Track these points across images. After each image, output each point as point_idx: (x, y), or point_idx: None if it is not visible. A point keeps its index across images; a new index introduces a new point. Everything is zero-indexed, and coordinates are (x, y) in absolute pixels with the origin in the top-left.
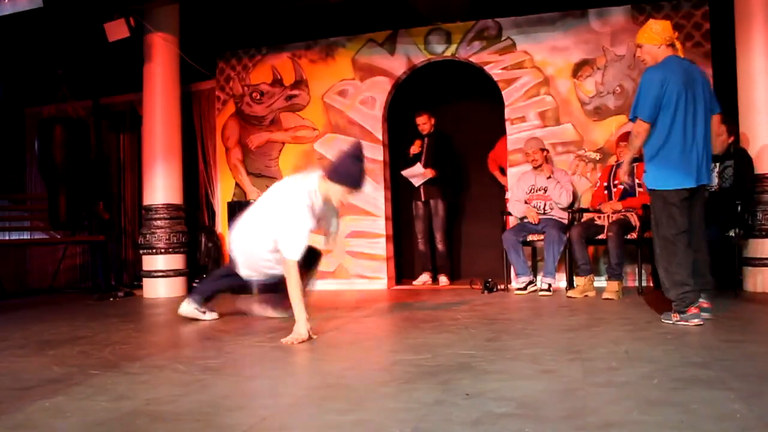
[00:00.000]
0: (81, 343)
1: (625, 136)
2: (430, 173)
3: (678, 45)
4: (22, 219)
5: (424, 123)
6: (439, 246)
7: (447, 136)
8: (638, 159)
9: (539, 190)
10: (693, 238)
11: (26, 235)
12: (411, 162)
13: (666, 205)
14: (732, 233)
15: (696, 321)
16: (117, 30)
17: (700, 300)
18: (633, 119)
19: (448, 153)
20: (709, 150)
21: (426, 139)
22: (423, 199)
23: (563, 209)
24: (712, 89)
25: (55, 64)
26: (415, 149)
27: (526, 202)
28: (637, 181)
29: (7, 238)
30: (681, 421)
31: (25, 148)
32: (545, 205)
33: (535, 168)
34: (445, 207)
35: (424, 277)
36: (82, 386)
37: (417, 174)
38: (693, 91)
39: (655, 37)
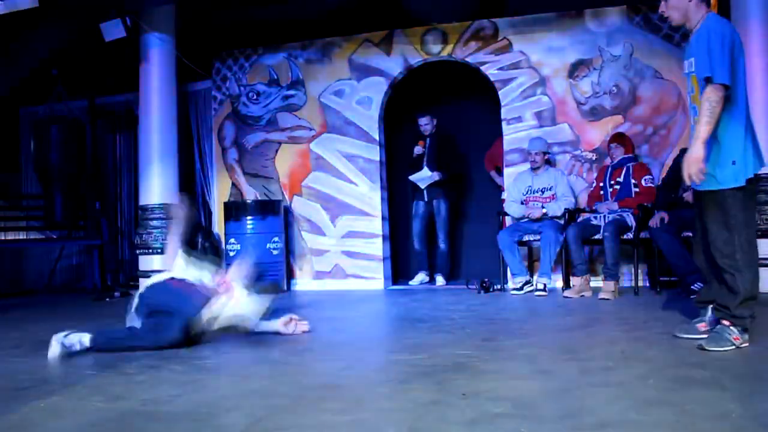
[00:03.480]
0: None
1: (617, 137)
2: (437, 176)
3: (713, 2)
4: (18, 219)
5: (426, 124)
6: (441, 246)
7: (449, 136)
8: (634, 159)
9: (537, 191)
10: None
11: (22, 236)
12: (415, 163)
13: (747, 198)
14: None
15: (745, 345)
16: (113, 30)
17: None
18: (707, 82)
19: (451, 153)
20: None
21: (428, 140)
22: (426, 199)
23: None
24: None
25: (50, 63)
26: (419, 149)
27: (523, 203)
28: (633, 180)
29: (2, 238)
30: (676, 420)
31: (20, 148)
32: (542, 206)
33: (533, 169)
34: (448, 207)
35: (421, 277)
36: (77, 386)
37: (424, 178)
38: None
39: None
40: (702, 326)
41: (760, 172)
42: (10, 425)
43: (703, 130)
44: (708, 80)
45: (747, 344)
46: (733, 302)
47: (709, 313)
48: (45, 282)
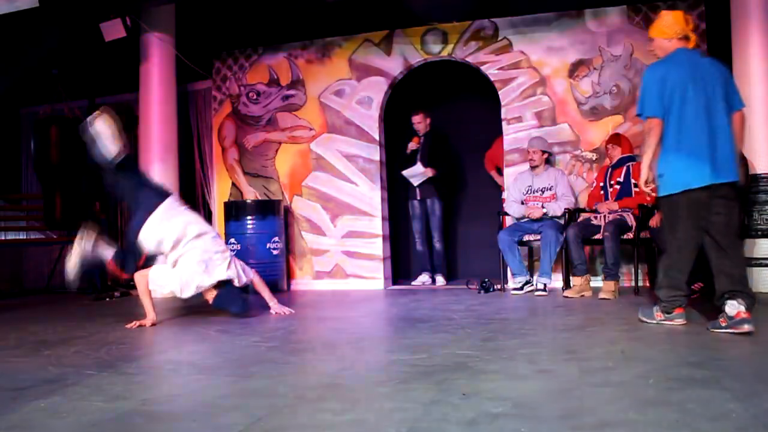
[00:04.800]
0: (77, 344)
1: (613, 138)
2: (430, 172)
3: (692, 37)
4: (18, 219)
5: (419, 122)
6: (437, 245)
7: (443, 135)
8: (634, 158)
9: (537, 191)
10: (716, 242)
11: (22, 235)
12: (409, 160)
13: (674, 207)
14: None
15: (680, 321)
16: (113, 30)
17: (740, 309)
18: (640, 117)
19: (443, 152)
20: (731, 146)
21: (422, 138)
22: (419, 198)
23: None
24: (734, 84)
25: (50, 63)
26: (413, 146)
27: (523, 203)
28: (632, 181)
29: (3, 238)
30: (676, 420)
31: (21, 148)
32: (542, 205)
33: (532, 168)
34: (442, 206)
35: (424, 277)
36: (77, 386)
37: (417, 173)
38: (704, 85)
39: (666, 31)
40: (722, 321)
41: (755, 173)
42: (10, 425)
43: (643, 157)
44: (639, 116)
45: (670, 322)
46: (657, 287)
47: (727, 305)
48: (45, 282)
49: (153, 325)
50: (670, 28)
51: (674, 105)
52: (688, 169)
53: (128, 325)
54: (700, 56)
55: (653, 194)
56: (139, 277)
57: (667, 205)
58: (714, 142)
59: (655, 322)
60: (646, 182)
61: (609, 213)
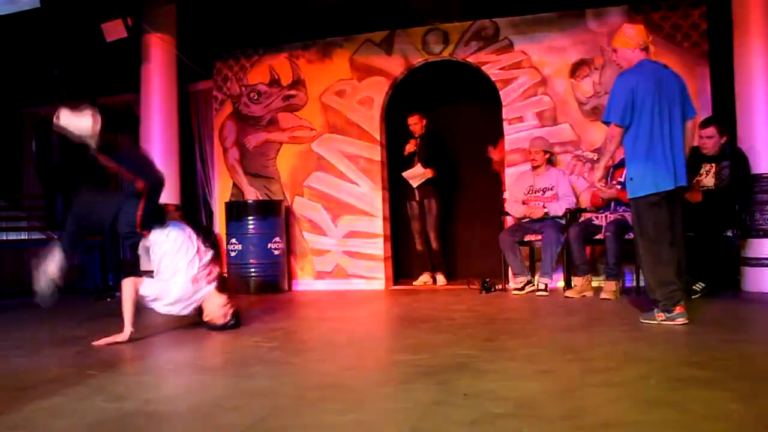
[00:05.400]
0: (79, 344)
1: None
2: (429, 173)
3: (651, 48)
4: (20, 219)
5: (415, 124)
6: (434, 245)
7: (439, 136)
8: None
9: (538, 191)
10: (674, 238)
11: (23, 236)
12: (407, 162)
13: (648, 208)
14: (730, 233)
15: (681, 320)
16: (114, 30)
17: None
18: (606, 123)
19: (440, 153)
20: (683, 153)
21: (418, 140)
22: (417, 199)
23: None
24: (688, 93)
25: (52, 64)
26: (410, 147)
27: (524, 203)
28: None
29: (4, 238)
30: (678, 420)
31: (23, 148)
32: (543, 206)
33: (533, 168)
34: (438, 206)
35: (425, 277)
36: (80, 386)
37: (417, 174)
38: (667, 94)
39: (629, 42)
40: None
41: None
42: (13, 425)
43: (601, 160)
44: (605, 123)
45: (672, 322)
46: (649, 291)
47: None
48: None
49: (128, 341)
50: (633, 39)
51: (644, 113)
52: (657, 174)
53: (96, 343)
54: (663, 67)
55: (606, 191)
56: (127, 283)
57: (638, 207)
58: (672, 149)
59: (656, 322)
60: (599, 180)
61: (611, 213)
